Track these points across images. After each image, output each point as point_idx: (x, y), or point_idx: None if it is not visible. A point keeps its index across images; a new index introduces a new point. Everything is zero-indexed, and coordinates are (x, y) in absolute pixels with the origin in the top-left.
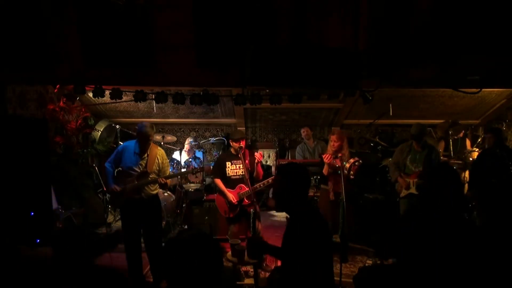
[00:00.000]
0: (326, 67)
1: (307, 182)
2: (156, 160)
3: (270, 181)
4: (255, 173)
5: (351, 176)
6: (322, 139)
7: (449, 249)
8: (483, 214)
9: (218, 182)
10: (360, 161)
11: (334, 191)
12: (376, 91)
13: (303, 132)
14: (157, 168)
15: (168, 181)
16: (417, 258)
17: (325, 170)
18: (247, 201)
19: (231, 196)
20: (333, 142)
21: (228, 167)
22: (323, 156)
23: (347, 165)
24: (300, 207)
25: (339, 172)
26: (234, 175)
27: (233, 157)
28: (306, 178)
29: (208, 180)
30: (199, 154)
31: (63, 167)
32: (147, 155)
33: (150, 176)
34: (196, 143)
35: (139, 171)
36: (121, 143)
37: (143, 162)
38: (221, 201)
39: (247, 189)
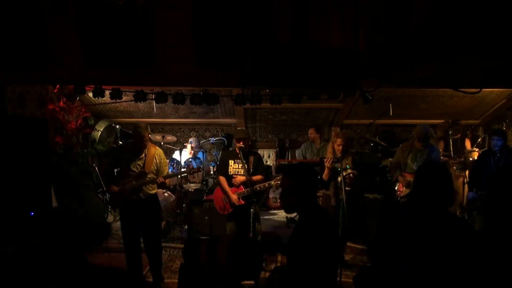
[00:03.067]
0: (326, 67)
1: (316, 182)
2: (154, 160)
3: (272, 183)
4: (255, 176)
5: (347, 188)
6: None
7: (431, 248)
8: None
9: (222, 180)
10: (355, 172)
11: (336, 197)
12: (376, 91)
13: (310, 134)
14: (155, 168)
15: (168, 180)
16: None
17: (325, 175)
18: (242, 201)
19: (235, 198)
20: (338, 145)
21: (231, 165)
22: (325, 161)
23: (344, 173)
24: (310, 207)
25: (340, 175)
26: (235, 174)
27: (236, 156)
28: (315, 178)
29: (210, 181)
30: (199, 154)
31: (63, 167)
32: (145, 155)
33: (148, 176)
34: (197, 143)
35: (137, 171)
36: (121, 143)
37: (140, 162)
38: (218, 197)
39: (243, 189)
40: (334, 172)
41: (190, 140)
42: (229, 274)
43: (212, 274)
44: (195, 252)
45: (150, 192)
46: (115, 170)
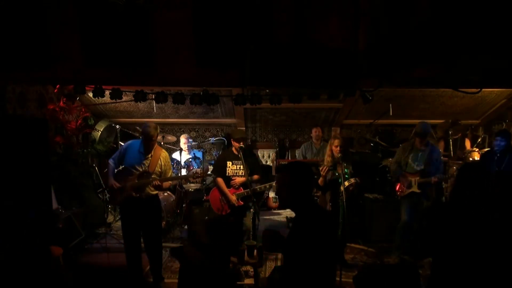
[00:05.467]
0: (326, 67)
1: (311, 180)
2: (159, 162)
3: (267, 186)
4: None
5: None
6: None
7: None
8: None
9: (220, 182)
10: (358, 180)
11: (332, 203)
12: (376, 91)
13: (314, 131)
14: (159, 170)
15: (168, 183)
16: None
17: (320, 181)
18: (241, 202)
19: (234, 199)
20: (336, 146)
21: (229, 166)
22: (320, 169)
23: (346, 183)
24: (305, 204)
25: (340, 180)
26: (234, 175)
27: (234, 157)
28: (310, 175)
29: (209, 179)
30: (198, 154)
31: (63, 167)
32: (151, 156)
33: (152, 176)
34: (196, 142)
35: (141, 170)
36: (122, 143)
37: (146, 162)
38: (215, 198)
39: (242, 190)
40: (333, 182)
41: (190, 140)
42: (213, 248)
43: (201, 257)
44: (185, 254)
45: (151, 193)
46: (117, 168)
